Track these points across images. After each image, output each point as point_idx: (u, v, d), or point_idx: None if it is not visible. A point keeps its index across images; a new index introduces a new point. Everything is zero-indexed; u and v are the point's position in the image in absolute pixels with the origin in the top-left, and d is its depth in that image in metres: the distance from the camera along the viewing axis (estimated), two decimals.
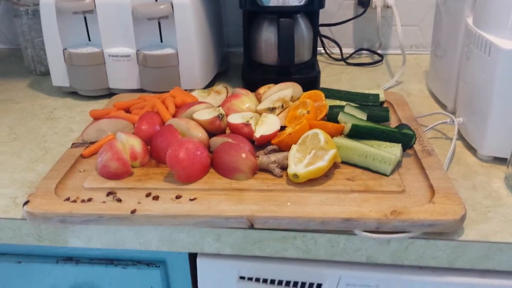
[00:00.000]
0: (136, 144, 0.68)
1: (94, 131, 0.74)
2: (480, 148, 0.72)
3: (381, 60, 1.14)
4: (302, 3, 0.87)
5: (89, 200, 0.59)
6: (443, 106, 0.90)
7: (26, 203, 0.59)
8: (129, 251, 0.65)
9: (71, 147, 0.73)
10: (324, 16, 1.12)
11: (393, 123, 0.79)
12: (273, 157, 0.65)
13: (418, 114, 0.84)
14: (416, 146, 0.70)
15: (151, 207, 0.58)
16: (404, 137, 0.68)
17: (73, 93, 0.98)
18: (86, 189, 0.62)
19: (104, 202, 0.59)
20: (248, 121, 0.71)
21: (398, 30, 1.05)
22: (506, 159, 0.67)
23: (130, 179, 0.64)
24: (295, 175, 0.61)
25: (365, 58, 1.18)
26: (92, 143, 0.73)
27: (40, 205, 0.58)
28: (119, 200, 0.59)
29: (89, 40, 0.95)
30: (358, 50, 1.19)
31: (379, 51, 1.18)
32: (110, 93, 0.96)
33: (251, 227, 0.56)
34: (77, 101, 0.96)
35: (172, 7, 0.88)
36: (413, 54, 1.18)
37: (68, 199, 0.60)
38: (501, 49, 0.64)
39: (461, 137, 0.77)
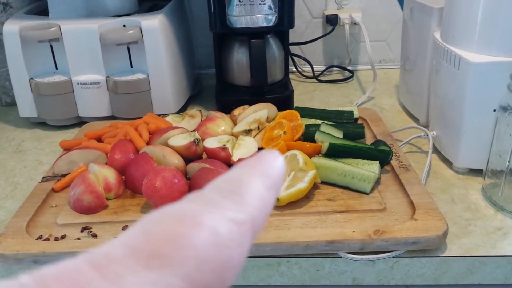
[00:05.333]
0: (109, 174, 0.65)
1: (65, 163, 0.71)
2: (455, 161, 0.73)
3: (351, 76, 1.16)
4: (271, 23, 0.87)
5: (63, 237, 0.57)
6: (416, 120, 0.91)
7: None
8: None
9: (42, 181, 0.70)
10: (293, 35, 1.13)
11: (368, 139, 0.79)
12: None
13: (392, 129, 0.84)
14: (393, 162, 0.70)
15: None
16: (381, 154, 0.68)
17: (42, 124, 0.94)
18: (59, 226, 0.59)
19: (78, 238, 0.57)
20: (224, 145, 0.70)
21: (367, 46, 1.06)
22: (481, 170, 0.68)
23: (105, 212, 0.62)
24: (276, 199, 0.60)
25: (336, 75, 1.19)
26: (63, 175, 0.70)
27: (11, 245, 0.56)
28: (95, 236, 0.57)
29: (56, 68, 0.92)
30: (329, 67, 1.20)
31: (349, 67, 1.19)
32: (80, 122, 0.93)
33: None
34: (46, 131, 0.93)
35: (141, 32, 0.87)
36: (382, 68, 1.19)
37: (40, 237, 0.57)
38: (470, 63, 0.65)
39: (436, 150, 0.78)
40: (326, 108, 0.85)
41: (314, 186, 0.64)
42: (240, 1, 0.85)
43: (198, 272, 0.13)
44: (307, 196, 0.62)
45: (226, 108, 0.87)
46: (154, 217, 0.14)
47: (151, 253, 0.13)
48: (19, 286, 0.12)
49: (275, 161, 0.17)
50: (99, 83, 0.90)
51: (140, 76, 0.90)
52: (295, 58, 1.18)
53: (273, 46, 0.94)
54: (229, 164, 0.69)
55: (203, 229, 0.13)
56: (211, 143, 0.71)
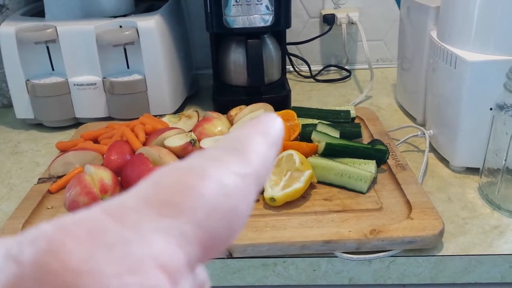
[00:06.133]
0: (105, 176, 0.65)
1: (61, 164, 0.71)
2: (452, 160, 0.72)
3: (349, 76, 1.16)
4: (268, 23, 0.87)
5: None
6: (413, 119, 0.91)
7: None
8: None
9: (38, 182, 0.70)
10: (290, 34, 1.13)
11: (365, 138, 0.79)
12: None
13: (389, 128, 0.84)
14: (390, 161, 0.70)
15: None
16: (378, 153, 0.68)
17: (38, 125, 0.94)
18: None
19: None
20: None
21: (364, 45, 1.06)
22: (478, 169, 0.68)
23: None
24: (272, 199, 0.60)
25: (333, 74, 1.19)
26: (59, 177, 0.70)
27: None
28: None
29: (53, 69, 0.92)
30: (326, 67, 1.20)
31: (346, 67, 1.19)
32: (77, 123, 0.93)
33: (230, 256, 0.55)
34: (42, 133, 0.92)
35: (138, 32, 0.87)
36: (379, 68, 1.19)
37: None
38: (466, 62, 0.65)
39: (433, 149, 0.78)
40: (323, 108, 0.85)
41: (311, 186, 0.64)
42: (236, 1, 0.85)
43: (208, 219, 0.14)
44: (303, 196, 0.62)
45: (223, 108, 0.87)
46: (163, 171, 0.15)
47: (164, 202, 0.13)
48: (41, 233, 0.12)
49: (274, 121, 0.18)
50: (95, 84, 0.90)
51: (136, 77, 0.90)
52: (292, 57, 1.18)
53: (270, 46, 0.94)
54: None
55: (211, 180, 0.14)
56: (207, 143, 0.71)
